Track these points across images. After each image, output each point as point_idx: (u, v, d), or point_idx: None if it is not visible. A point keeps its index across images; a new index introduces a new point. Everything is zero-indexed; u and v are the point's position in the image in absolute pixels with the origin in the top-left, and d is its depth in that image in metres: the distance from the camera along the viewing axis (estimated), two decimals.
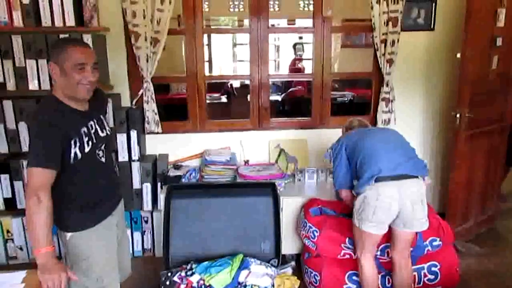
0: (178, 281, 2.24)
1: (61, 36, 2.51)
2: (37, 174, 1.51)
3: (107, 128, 1.84)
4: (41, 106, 1.68)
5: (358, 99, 5.02)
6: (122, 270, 2.02)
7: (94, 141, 1.71)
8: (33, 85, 2.57)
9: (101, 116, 1.83)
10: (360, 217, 2.09)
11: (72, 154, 1.60)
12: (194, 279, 2.23)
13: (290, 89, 5.50)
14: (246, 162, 3.15)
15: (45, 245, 1.50)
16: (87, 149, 1.66)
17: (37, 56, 2.54)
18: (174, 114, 3.49)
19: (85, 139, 1.65)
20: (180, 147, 3.14)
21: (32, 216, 1.49)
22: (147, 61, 2.84)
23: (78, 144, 1.62)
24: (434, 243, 2.40)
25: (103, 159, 1.78)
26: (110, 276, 1.83)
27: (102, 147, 1.78)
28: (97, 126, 1.75)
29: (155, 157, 3.03)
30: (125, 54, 2.92)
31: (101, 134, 1.77)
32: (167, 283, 2.28)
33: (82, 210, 1.72)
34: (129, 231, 2.91)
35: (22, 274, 1.51)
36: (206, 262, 2.34)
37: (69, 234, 1.70)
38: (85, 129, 1.66)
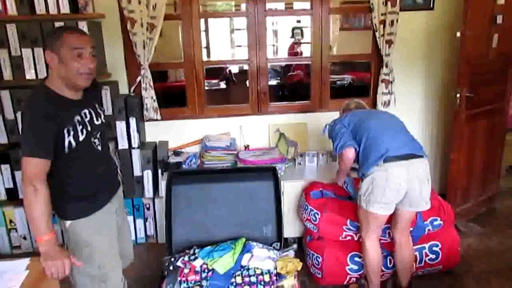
0: (182, 266, 2.25)
1: (56, 23, 2.49)
2: (31, 163, 1.51)
3: (103, 116, 1.82)
4: (32, 96, 1.63)
5: (358, 82, 4.99)
6: (124, 257, 2.02)
7: (89, 129, 1.69)
8: (30, 75, 2.56)
9: (96, 105, 1.81)
10: (368, 199, 2.09)
11: (67, 143, 1.59)
12: (197, 263, 2.24)
13: (289, 74, 5.47)
14: (246, 147, 3.15)
15: (45, 233, 1.51)
16: (81, 138, 1.64)
17: (33, 45, 2.52)
18: (173, 101, 3.47)
19: (79, 128, 1.63)
20: (179, 134, 3.13)
21: (30, 206, 1.51)
22: (144, 47, 2.81)
23: (72, 133, 1.60)
24: (435, 223, 2.42)
25: (99, 148, 1.77)
26: (112, 263, 1.84)
27: (98, 135, 1.76)
28: (92, 114, 1.73)
29: (155, 144, 3.03)
30: (121, 41, 2.89)
31: (96, 122, 1.75)
32: (171, 268, 2.30)
33: (80, 199, 1.71)
34: (131, 218, 2.94)
35: (25, 261, 1.52)
36: (208, 247, 2.35)
37: (68, 222, 1.70)
38: (78, 117, 1.64)
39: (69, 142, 1.60)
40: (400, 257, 2.26)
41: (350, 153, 2.18)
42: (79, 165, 1.68)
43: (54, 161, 1.58)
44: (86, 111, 1.70)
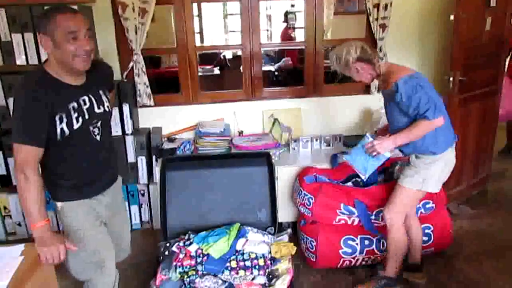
0: (177, 251, 2.27)
1: (46, 7, 2.44)
2: (21, 151, 1.48)
3: (106, 104, 1.72)
4: (26, 80, 1.56)
5: None
6: (121, 250, 2.01)
7: (86, 117, 1.61)
8: (20, 60, 2.53)
9: (100, 91, 1.71)
10: (438, 179, 2.11)
11: (59, 131, 1.54)
12: (192, 248, 2.26)
13: (283, 59, 5.44)
14: (240, 133, 3.15)
15: (39, 220, 1.50)
16: (76, 126, 1.58)
17: (23, 30, 2.48)
18: (167, 87, 3.46)
19: (74, 115, 1.57)
20: (173, 120, 3.12)
21: (23, 193, 1.50)
22: (136, 32, 2.78)
23: (65, 120, 1.54)
24: (427, 206, 2.44)
25: (98, 137, 1.69)
26: (106, 252, 1.82)
27: (98, 124, 1.68)
28: (93, 102, 1.65)
29: (149, 131, 3.02)
30: (113, 26, 2.86)
31: (97, 111, 1.66)
32: (166, 253, 2.32)
33: (72, 186, 1.69)
34: (126, 205, 2.94)
35: (20, 247, 1.51)
36: (203, 232, 2.37)
37: (59, 204, 1.69)
38: (74, 104, 1.57)
39: (62, 129, 1.54)
40: (416, 236, 2.31)
41: (440, 123, 1.94)
42: (73, 154, 1.64)
43: (48, 147, 1.54)
44: (86, 97, 1.62)
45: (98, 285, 1.83)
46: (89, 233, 1.73)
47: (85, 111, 1.61)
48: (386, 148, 2.05)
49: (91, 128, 1.65)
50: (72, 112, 1.56)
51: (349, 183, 2.63)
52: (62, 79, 1.56)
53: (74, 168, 1.68)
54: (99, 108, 1.67)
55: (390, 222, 2.20)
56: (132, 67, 2.88)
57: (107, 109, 1.73)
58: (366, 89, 3.22)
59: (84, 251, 1.72)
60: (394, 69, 2.08)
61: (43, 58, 2.52)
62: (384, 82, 2.12)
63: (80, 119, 1.59)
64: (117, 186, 1.93)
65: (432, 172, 2.07)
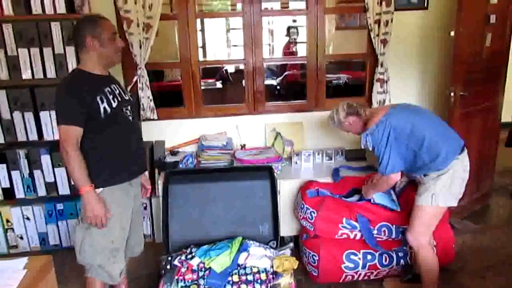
0: (179, 265, 2.26)
1: (53, 23, 2.50)
2: (63, 130, 1.75)
3: (128, 94, 2.03)
4: (63, 80, 1.89)
5: (353, 81, 5.01)
6: (136, 244, 2.17)
7: (119, 99, 1.89)
8: (26, 75, 2.57)
9: (120, 85, 2.01)
10: (447, 193, 2.09)
11: (102, 109, 1.80)
12: (194, 262, 2.26)
13: (285, 73, 5.48)
14: (243, 146, 3.16)
15: (84, 184, 1.78)
16: (114, 105, 1.84)
17: (29, 45, 2.53)
18: (170, 101, 3.48)
19: (110, 97, 1.84)
20: (176, 133, 3.14)
21: (68, 166, 1.78)
22: (140, 47, 2.82)
23: (105, 100, 1.81)
24: None
25: (130, 118, 1.96)
26: (122, 241, 1.98)
27: (129, 108, 1.96)
28: (119, 89, 1.94)
29: (152, 144, 3.04)
30: None
31: (125, 97, 1.96)
32: (168, 267, 2.31)
33: (111, 164, 1.89)
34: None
35: (23, 260, 1.51)
36: (205, 246, 2.37)
37: (99, 190, 1.85)
38: (108, 88, 1.86)
39: (104, 108, 1.80)
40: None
41: (397, 177, 2.18)
42: (114, 132, 1.88)
43: (92, 129, 1.80)
44: (114, 85, 1.92)
45: (110, 271, 1.95)
46: (117, 221, 1.91)
47: (117, 95, 1.90)
48: (367, 195, 2.43)
49: (124, 109, 1.92)
50: (108, 94, 1.85)
51: (353, 198, 2.63)
52: (94, 72, 1.86)
53: (114, 147, 1.89)
54: (125, 95, 1.98)
55: (416, 244, 2.18)
56: (136, 81, 2.91)
57: (130, 98, 2.03)
58: (369, 104, 3.23)
59: (105, 237, 1.88)
60: (370, 116, 2.26)
61: (49, 72, 2.57)
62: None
63: (116, 100, 1.87)
64: (139, 179, 2.13)
65: (439, 186, 2.08)
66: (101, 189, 1.86)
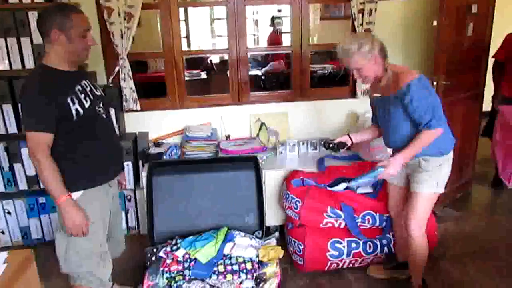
0: (164, 256, 2.26)
1: (30, 12, 2.43)
2: (32, 137, 1.63)
3: (100, 89, 1.90)
4: (29, 79, 1.73)
5: (338, 71, 5.03)
6: (117, 244, 2.13)
7: (91, 97, 1.77)
8: (3, 65, 2.50)
9: (90, 80, 1.89)
10: (444, 178, 2.09)
11: (74, 111, 1.68)
12: (180, 253, 2.25)
13: (270, 64, 5.46)
14: (227, 137, 3.15)
15: (59, 194, 1.67)
16: (86, 105, 1.73)
17: (6, 35, 2.46)
18: (154, 92, 3.43)
19: (81, 96, 1.72)
20: (160, 125, 3.11)
21: (40, 175, 1.67)
22: (122, 37, 2.77)
23: (76, 101, 1.69)
24: None
25: (104, 115, 1.85)
26: (107, 244, 1.93)
27: (101, 105, 1.84)
28: (89, 85, 1.82)
29: (135, 135, 3.00)
30: (98, 31, 2.83)
31: (97, 93, 1.84)
32: (153, 258, 2.31)
33: (91, 167, 1.80)
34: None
35: (3, 255, 1.49)
36: (191, 237, 2.36)
37: (76, 195, 1.75)
38: (79, 87, 1.74)
39: (76, 109, 1.69)
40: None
41: (440, 132, 1.95)
42: (88, 133, 1.77)
43: (65, 132, 1.68)
44: (85, 82, 1.80)
45: (100, 276, 1.89)
46: (98, 226, 1.84)
47: (88, 92, 1.78)
48: (398, 168, 2.02)
49: (96, 108, 1.81)
50: (79, 94, 1.73)
51: (338, 187, 2.65)
52: (62, 68, 1.71)
53: (92, 146, 1.79)
54: (97, 91, 1.86)
55: (415, 233, 2.11)
56: (118, 72, 2.86)
57: (102, 94, 1.91)
58: (352, 93, 3.25)
59: (90, 242, 1.81)
60: (399, 69, 2.02)
61: (27, 63, 2.50)
62: (388, 85, 2.02)
63: (88, 99, 1.75)
64: (116, 179, 2.05)
65: (443, 174, 2.07)
66: (81, 192, 1.77)
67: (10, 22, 2.44)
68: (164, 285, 2.15)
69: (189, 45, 6.71)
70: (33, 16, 2.45)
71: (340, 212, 2.41)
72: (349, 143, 2.31)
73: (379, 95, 2.13)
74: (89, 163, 1.79)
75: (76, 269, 1.83)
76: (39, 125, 1.63)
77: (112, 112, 2.73)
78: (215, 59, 5.96)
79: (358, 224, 2.42)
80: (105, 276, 1.91)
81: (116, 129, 2.77)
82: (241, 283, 2.15)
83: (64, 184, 1.69)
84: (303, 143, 3.10)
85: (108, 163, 1.90)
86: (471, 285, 2.41)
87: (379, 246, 2.46)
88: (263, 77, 5.44)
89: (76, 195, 1.75)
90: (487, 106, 3.49)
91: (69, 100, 1.67)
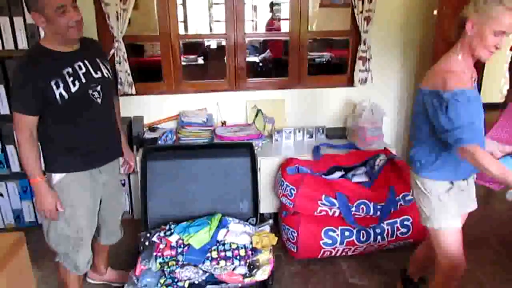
0: (157, 241, 2.25)
1: None
2: (16, 118, 1.65)
3: (105, 71, 1.82)
4: (21, 57, 1.71)
5: (336, 59, 5.00)
6: (110, 233, 2.13)
7: (83, 81, 1.70)
8: None
9: (97, 59, 1.81)
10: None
11: (58, 95, 1.64)
12: (173, 239, 2.25)
13: (268, 50, 5.42)
14: (223, 123, 3.12)
15: (34, 175, 1.69)
16: (73, 89, 1.67)
17: None
18: (150, 76, 3.39)
19: (69, 80, 1.66)
20: (155, 109, 3.07)
21: (20, 154, 1.70)
22: (118, 19, 2.72)
23: (61, 85, 1.64)
24: (407, 198, 2.48)
25: (99, 100, 1.77)
26: (88, 231, 1.91)
27: (98, 88, 1.76)
28: (88, 67, 1.74)
29: (130, 120, 2.97)
30: (93, 12, 2.78)
31: (95, 75, 1.75)
32: (146, 243, 2.30)
33: (73, 151, 1.77)
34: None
35: None
36: (184, 223, 2.36)
37: (57, 177, 1.77)
38: (69, 69, 1.67)
39: (60, 94, 1.64)
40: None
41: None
42: (76, 117, 1.73)
43: (50, 115, 1.68)
44: (81, 63, 1.72)
45: (74, 260, 1.91)
46: (79, 211, 1.83)
47: (81, 75, 1.70)
48: None
49: (90, 92, 1.73)
50: (67, 77, 1.66)
51: (334, 176, 2.64)
52: (55, 49, 1.67)
53: (77, 131, 1.76)
54: (96, 73, 1.76)
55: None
56: (113, 55, 2.81)
57: (106, 76, 1.81)
58: (350, 82, 3.22)
59: (69, 226, 1.82)
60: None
61: (20, 43, 2.46)
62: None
63: (77, 83, 1.68)
64: (115, 166, 2.04)
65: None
66: (62, 174, 1.77)
67: (3, 1, 2.38)
68: (157, 270, 2.15)
69: (186, 30, 6.63)
70: None
71: (334, 201, 2.40)
72: None
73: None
74: (71, 147, 1.77)
75: (54, 246, 1.89)
76: (20, 107, 1.65)
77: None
78: (213, 44, 5.90)
79: (353, 212, 2.42)
80: (79, 260, 1.91)
81: None
82: (234, 269, 2.15)
83: (40, 167, 1.71)
84: (299, 131, 3.08)
85: (95, 149, 1.84)
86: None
87: (372, 235, 2.47)
88: (260, 64, 5.40)
89: (56, 177, 1.78)
90: (491, 99, 3.44)
91: (52, 84, 1.63)
